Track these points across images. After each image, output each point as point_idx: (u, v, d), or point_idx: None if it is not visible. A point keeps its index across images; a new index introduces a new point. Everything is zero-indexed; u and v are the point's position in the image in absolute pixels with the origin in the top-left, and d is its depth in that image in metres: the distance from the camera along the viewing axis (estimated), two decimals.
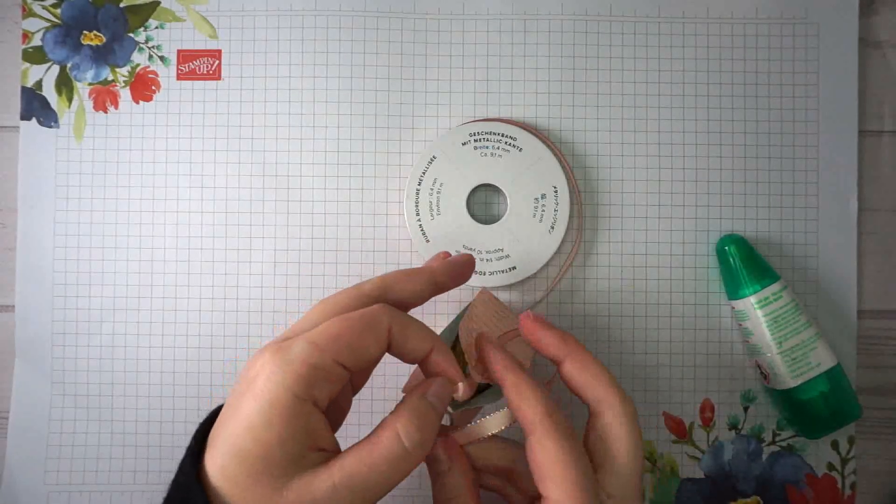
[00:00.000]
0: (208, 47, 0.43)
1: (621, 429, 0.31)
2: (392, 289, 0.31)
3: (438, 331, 0.42)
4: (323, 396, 0.28)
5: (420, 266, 0.33)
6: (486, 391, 0.35)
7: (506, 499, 0.35)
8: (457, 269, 0.34)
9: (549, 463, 0.29)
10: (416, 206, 0.41)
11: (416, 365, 0.32)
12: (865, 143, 0.43)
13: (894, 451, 0.42)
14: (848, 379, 0.40)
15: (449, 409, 0.33)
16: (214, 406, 0.31)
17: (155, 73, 0.43)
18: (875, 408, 0.42)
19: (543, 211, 0.41)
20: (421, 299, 0.32)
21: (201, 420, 0.30)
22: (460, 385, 0.31)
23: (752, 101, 0.43)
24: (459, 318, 0.37)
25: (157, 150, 0.43)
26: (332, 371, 0.28)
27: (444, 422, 0.32)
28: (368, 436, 0.29)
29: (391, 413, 0.30)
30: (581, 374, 0.32)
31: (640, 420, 0.41)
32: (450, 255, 0.35)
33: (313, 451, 0.27)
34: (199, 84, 0.43)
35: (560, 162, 0.42)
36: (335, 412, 0.32)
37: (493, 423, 0.32)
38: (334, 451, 0.28)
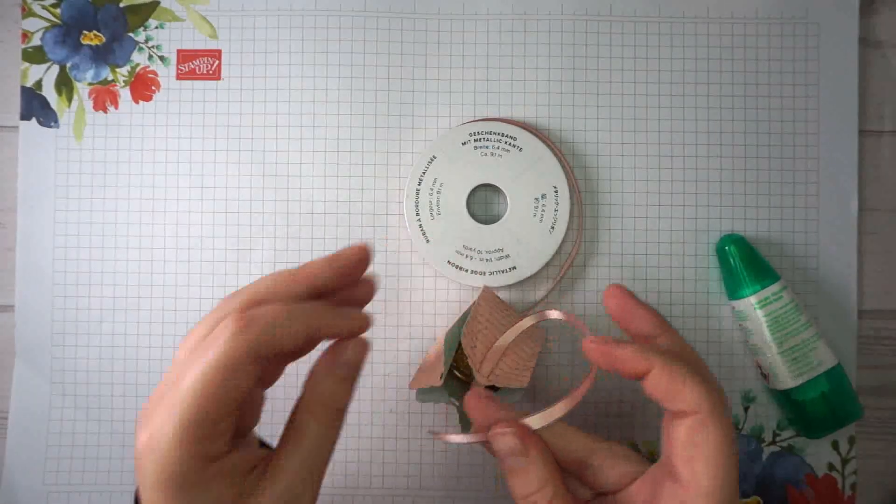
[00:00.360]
0: (208, 47, 0.43)
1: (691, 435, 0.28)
2: (264, 298, 0.27)
3: (441, 332, 0.42)
4: (222, 445, 0.26)
5: (296, 274, 0.28)
6: (500, 392, 0.35)
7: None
8: (344, 268, 0.29)
9: (709, 448, 0.27)
10: (416, 206, 0.41)
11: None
12: (865, 143, 0.43)
13: (894, 451, 0.42)
14: (848, 379, 0.40)
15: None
16: None
17: (155, 72, 0.43)
18: (875, 408, 0.42)
19: (543, 211, 0.41)
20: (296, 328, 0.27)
21: None
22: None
23: (752, 101, 0.43)
24: (463, 320, 0.37)
25: (157, 150, 0.43)
26: (214, 436, 0.26)
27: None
28: (288, 430, 0.28)
29: (300, 398, 0.28)
30: (666, 383, 0.28)
31: (640, 420, 0.42)
32: (365, 250, 0.30)
33: (249, 474, 0.27)
34: (199, 84, 0.43)
35: (560, 162, 0.42)
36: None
37: (559, 409, 0.29)
38: (262, 457, 0.28)
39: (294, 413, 0.28)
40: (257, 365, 0.26)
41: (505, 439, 0.28)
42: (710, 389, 0.28)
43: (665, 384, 0.28)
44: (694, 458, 0.28)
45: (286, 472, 0.27)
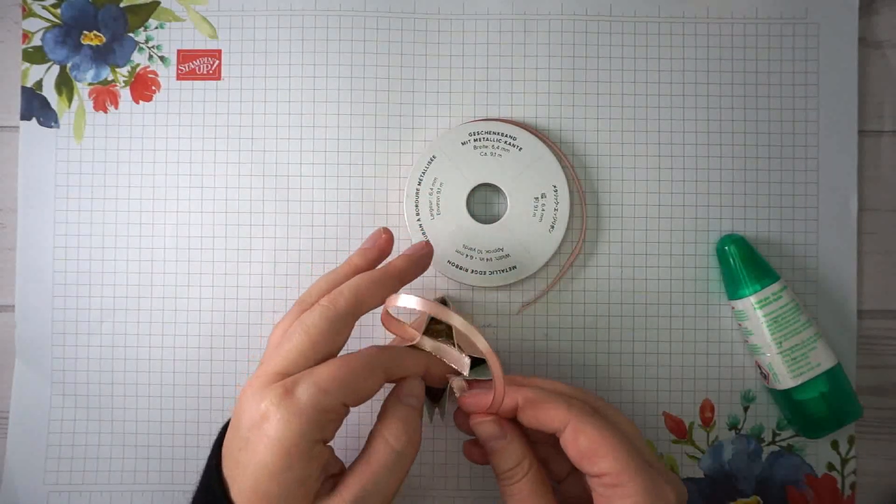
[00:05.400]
0: (208, 47, 0.43)
1: (581, 437, 0.31)
2: (366, 302, 0.32)
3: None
4: (331, 433, 0.30)
5: (383, 267, 0.34)
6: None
7: (547, 467, 0.36)
8: (420, 262, 0.35)
9: (596, 443, 0.30)
10: (416, 206, 0.41)
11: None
12: (865, 143, 0.43)
13: (894, 451, 0.42)
14: (848, 379, 0.40)
15: (459, 384, 0.34)
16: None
17: (155, 73, 0.43)
18: (875, 408, 0.42)
19: (543, 210, 0.41)
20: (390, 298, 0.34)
21: (209, 430, 0.31)
22: (456, 380, 0.34)
23: (752, 101, 0.43)
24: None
25: (157, 150, 0.43)
26: (338, 412, 0.29)
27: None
28: (363, 451, 0.31)
29: (376, 423, 0.32)
30: (531, 414, 0.32)
31: (640, 420, 0.42)
32: (431, 246, 0.37)
33: (327, 480, 0.30)
34: (199, 84, 0.43)
35: (561, 162, 0.42)
36: None
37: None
38: (342, 472, 0.31)
39: (371, 436, 0.31)
40: (383, 379, 0.31)
41: (485, 426, 0.32)
42: (567, 407, 0.31)
43: (531, 416, 0.32)
44: (590, 456, 0.30)
45: (350, 490, 0.29)
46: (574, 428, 0.31)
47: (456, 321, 0.31)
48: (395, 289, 0.33)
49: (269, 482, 0.28)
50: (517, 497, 0.32)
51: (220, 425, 0.41)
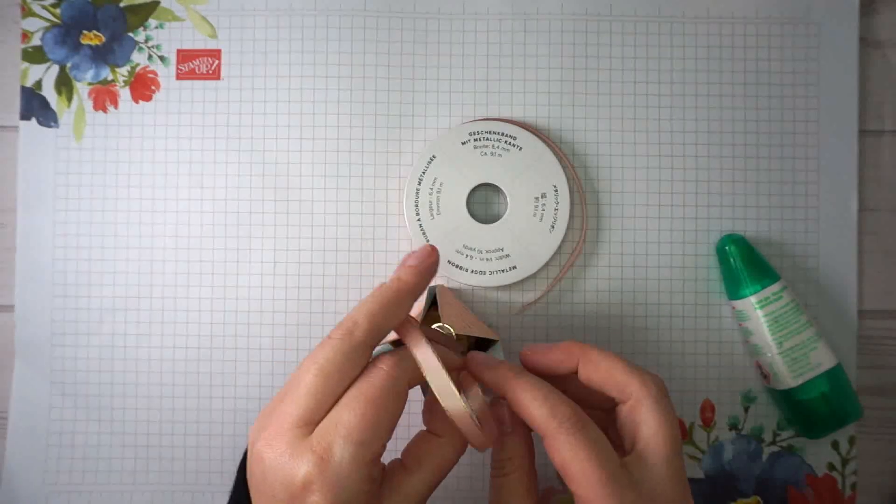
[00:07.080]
0: (208, 47, 0.43)
1: (645, 413, 0.30)
2: (382, 327, 0.30)
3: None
4: (379, 472, 0.29)
5: (394, 285, 0.32)
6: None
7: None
8: (429, 271, 0.34)
9: (568, 463, 0.29)
10: (416, 205, 0.41)
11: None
12: (865, 143, 0.43)
13: (894, 451, 0.42)
14: (848, 379, 0.40)
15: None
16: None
17: (154, 72, 0.43)
18: (875, 408, 0.42)
19: (544, 210, 0.41)
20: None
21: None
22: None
23: (752, 101, 0.43)
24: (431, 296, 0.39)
25: (156, 150, 0.43)
26: (380, 453, 0.28)
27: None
28: (418, 451, 0.30)
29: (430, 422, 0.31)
30: (595, 372, 0.32)
31: None
32: (436, 250, 0.35)
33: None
34: (198, 84, 0.43)
35: (561, 161, 0.42)
36: None
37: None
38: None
39: (428, 440, 0.31)
40: (407, 395, 0.30)
41: (499, 409, 0.32)
42: (547, 413, 0.30)
43: (516, 410, 0.31)
44: (565, 475, 0.29)
45: (412, 486, 0.29)
46: (550, 440, 0.29)
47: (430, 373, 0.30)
48: (409, 307, 0.31)
49: None
50: (501, 490, 0.31)
51: (220, 425, 0.42)
